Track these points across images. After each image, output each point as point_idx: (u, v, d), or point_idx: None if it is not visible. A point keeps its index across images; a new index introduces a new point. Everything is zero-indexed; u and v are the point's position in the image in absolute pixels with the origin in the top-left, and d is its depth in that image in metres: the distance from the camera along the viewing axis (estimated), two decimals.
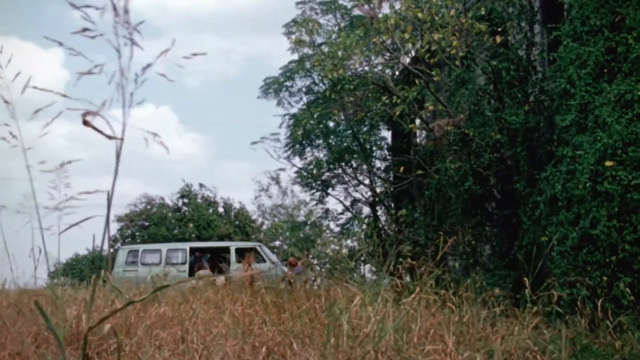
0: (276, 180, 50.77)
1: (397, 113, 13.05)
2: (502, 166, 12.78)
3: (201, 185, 47.00)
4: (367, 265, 22.42)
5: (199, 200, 46.79)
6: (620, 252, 9.47)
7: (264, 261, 20.61)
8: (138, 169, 66.57)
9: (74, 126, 64.02)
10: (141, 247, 21.01)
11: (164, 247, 21.88)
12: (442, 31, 11.17)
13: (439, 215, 14.27)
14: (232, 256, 21.04)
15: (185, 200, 46.35)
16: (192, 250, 21.25)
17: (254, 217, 49.02)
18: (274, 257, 21.31)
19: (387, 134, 21.26)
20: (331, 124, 19.72)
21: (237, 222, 47.39)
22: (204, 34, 70.84)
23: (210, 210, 47.09)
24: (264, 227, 49.85)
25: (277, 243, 46.69)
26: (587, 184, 9.90)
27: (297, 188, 45.17)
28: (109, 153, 1.96)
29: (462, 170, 12.54)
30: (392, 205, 20.18)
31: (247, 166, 76.39)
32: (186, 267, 20.34)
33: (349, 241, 22.75)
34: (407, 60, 13.14)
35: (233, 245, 21.53)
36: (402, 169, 14.53)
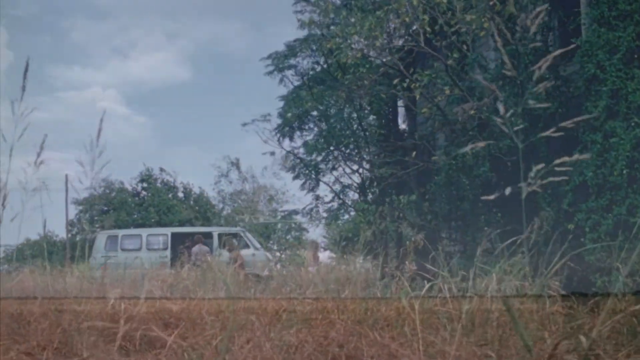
0: (236, 165, 50.31)
1: (418, 97, 12.81)
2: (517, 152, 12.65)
3: (162, 169, 45.88)
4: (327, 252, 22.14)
5: (159, 185, 45.78)
6: None
7: (248, 247, 20.15)
8: (85, 153, 63.86)
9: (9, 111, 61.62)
10: (120, 232, 20.24)
11: (145, 232, 21.10)
12: (473, 12, 10.93)
13: (447, 201, 14.09)
14: (215, 241, 20.48)
15: (145, 185, 45.25)
16: (176, 236, 20.52)
17: (214, 202, 48.24)
18: (257, 243, 20.87)
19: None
20: (321, 107, 19.36)
21: (197, 208, 46.51)
22: (150, 16, 68.63)
23: (170, 195, 46.07)
24: (224, 212, 49.14)
25: (238, 229, 45.91)
26: (624, 171, 9.83)
27: (257, 173, 44.67)
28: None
29: (480, 155, 12.36)
30: (377, 192, 19.91)
31: (194, 150, 73.86)
32: (167, 252, 19.66)
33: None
34: (422, 42, 12.86)
35: (216, 231, 20.95)
36: (414, 154, 14.27)
